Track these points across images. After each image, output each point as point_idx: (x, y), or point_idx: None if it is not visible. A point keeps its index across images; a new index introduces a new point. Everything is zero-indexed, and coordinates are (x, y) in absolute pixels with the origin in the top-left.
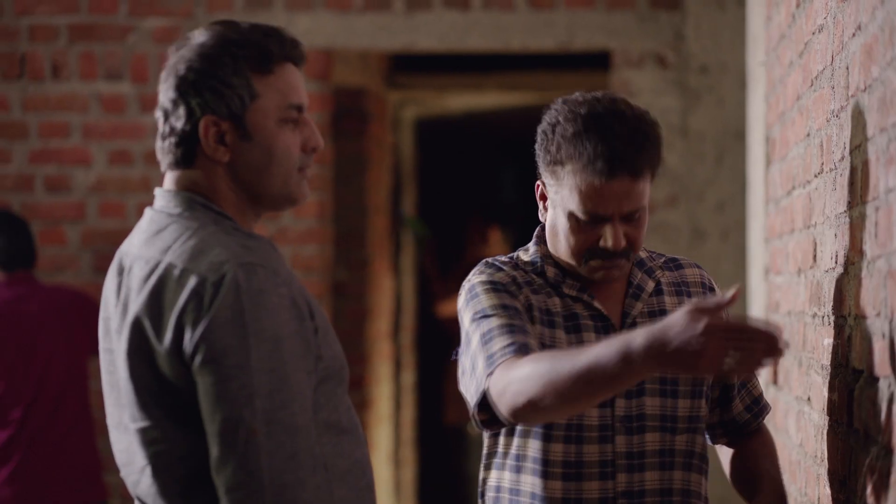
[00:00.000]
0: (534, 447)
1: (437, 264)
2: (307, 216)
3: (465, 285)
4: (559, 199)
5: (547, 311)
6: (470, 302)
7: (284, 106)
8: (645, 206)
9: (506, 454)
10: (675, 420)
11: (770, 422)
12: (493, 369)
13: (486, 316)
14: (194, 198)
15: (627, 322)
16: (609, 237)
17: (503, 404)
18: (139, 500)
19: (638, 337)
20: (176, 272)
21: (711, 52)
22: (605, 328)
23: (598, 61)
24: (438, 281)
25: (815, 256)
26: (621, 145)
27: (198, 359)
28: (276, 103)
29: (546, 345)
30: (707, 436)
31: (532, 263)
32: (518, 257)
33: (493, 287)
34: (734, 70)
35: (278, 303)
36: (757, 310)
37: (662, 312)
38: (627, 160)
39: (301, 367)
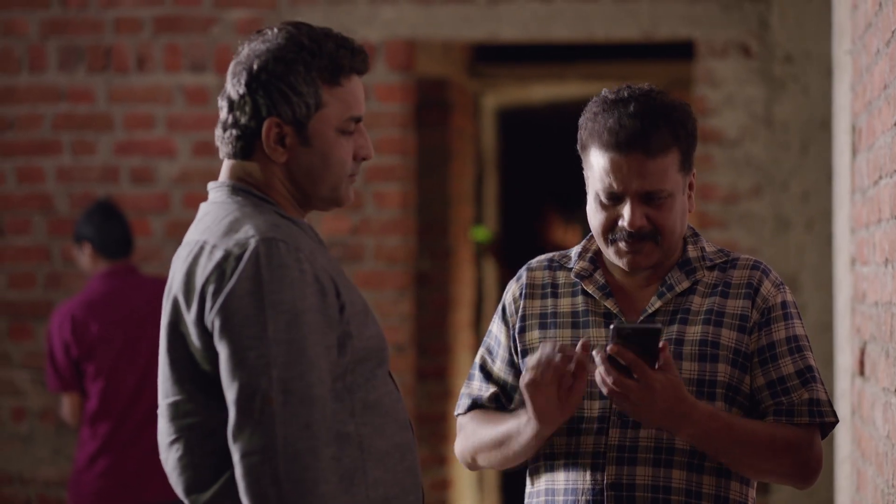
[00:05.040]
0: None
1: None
2: (390, 207)
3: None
4: (590, 183)
5: (555, 314)
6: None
7: (346, 117)
8: (670, 190)
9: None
10: None
11: (857, 413)
12: (457, 416)
13: (483, 347)
14: (237, 185)
15: (640, 319)
16: (625, 215)
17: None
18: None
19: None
20: (208, 248)
21: (796, 41)
22: None
23: (681, 51)
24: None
25: None
26: (633, 121)
27: (217, 328)
28: (339, 114)
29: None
30: None
31: (571, 259)
32: (564, 253)
33: (501, 311)
34: (819, 59)
35: (299, 277)
36: (843, 300)
37: (686, 311)
38: (638, 135)
39: (320, 341)
